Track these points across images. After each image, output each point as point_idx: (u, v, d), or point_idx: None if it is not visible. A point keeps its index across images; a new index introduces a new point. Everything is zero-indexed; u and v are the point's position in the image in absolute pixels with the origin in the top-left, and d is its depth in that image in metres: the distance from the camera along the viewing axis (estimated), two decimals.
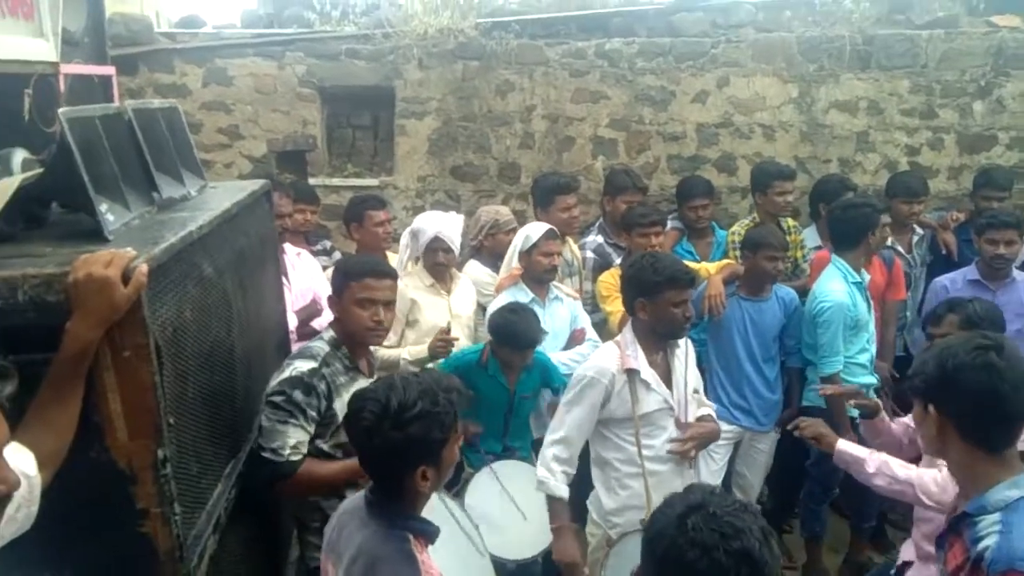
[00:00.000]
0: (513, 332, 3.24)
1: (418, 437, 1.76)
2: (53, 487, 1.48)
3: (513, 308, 3.35)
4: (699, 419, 2.95)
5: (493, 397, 3.40)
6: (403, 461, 1.79)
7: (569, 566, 2.76)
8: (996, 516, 1.67)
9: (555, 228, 3.73)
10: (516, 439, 3.51)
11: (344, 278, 2.56)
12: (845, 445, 2.59)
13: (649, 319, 2.74)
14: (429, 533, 1.90)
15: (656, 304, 2.71)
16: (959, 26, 5.00)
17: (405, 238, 3.81)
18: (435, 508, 2.70)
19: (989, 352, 1.71)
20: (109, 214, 1.80)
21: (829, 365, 3.66)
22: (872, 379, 3.84)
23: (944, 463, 2.18)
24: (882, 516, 4.42)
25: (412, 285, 3.66)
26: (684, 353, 2.95)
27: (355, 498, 1.98)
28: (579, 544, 2.85)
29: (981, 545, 1.65)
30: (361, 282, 2.53)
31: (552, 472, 2.76)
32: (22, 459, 1.40)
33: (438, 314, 3.67)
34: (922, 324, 3.34)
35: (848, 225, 3.74)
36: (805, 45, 4.95)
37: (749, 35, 5.08)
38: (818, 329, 3.66)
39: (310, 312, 3.64)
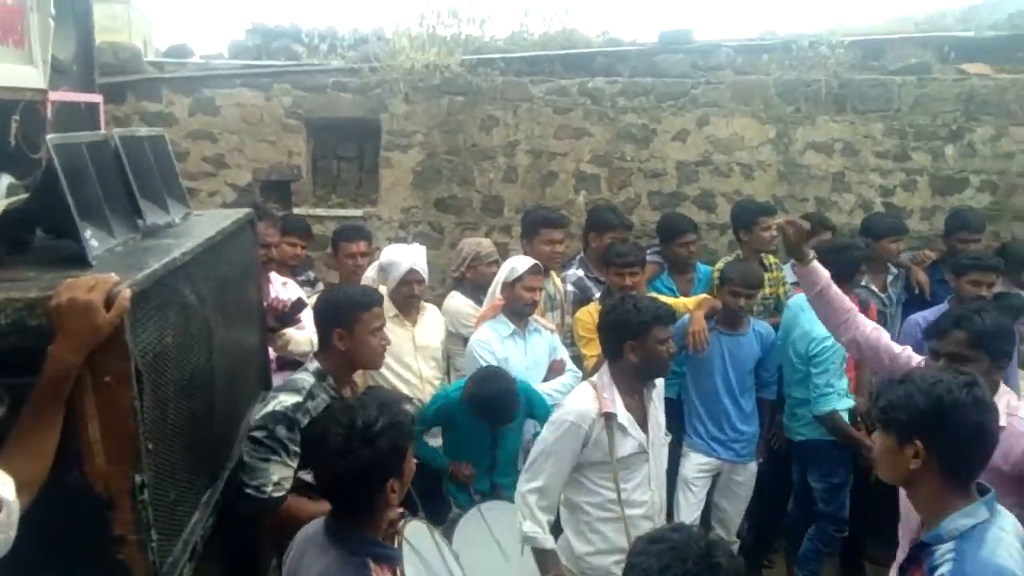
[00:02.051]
0: (491, 412, 3.26)
1: (386, 450, 1.83)
2: (30, 512, 1.47)
3: (493, 394, 3.23)
4: None
5: (477, 431, 3.39)
6: (374, 477, 1.84)
7: None
8: (951, 545, 1.72)
9: (539, 263, 3.77)
10: (503, 475, 3.47)
11: (355, 310, 2.57)
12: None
13: (638, 360, 2.73)
14: (390, 558, 1.91)
15: (644, 344, 2.71)
16: (931, 72, 5.16)
17: (371, 271, 3.81)
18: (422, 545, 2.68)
19: (975, 388, 1.76)
20: (93, 240, 1.81)
21: (826, 403, 3.74)
22: (850, 402, 3.91)
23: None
24: (861, 550, 4.44)
25: None
26: (659, 394, 2.94)
27: (314, 523, 1.99)
28: None
29: (937, 574, 1.69)
30: (371, 311, 2.60)
31: (539, 524, 2.70)
32: (1, 484, 1.40)
33: (402, 345, 3.68)
34: (924, 335, 3.39)
35: (839, 265, 3.73)
36: (782, 88, 5.09)
37: (728, 77, 5.21)
38: (815, 369, 3.73)
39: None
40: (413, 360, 3.72)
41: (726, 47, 5.34)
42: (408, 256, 3.70)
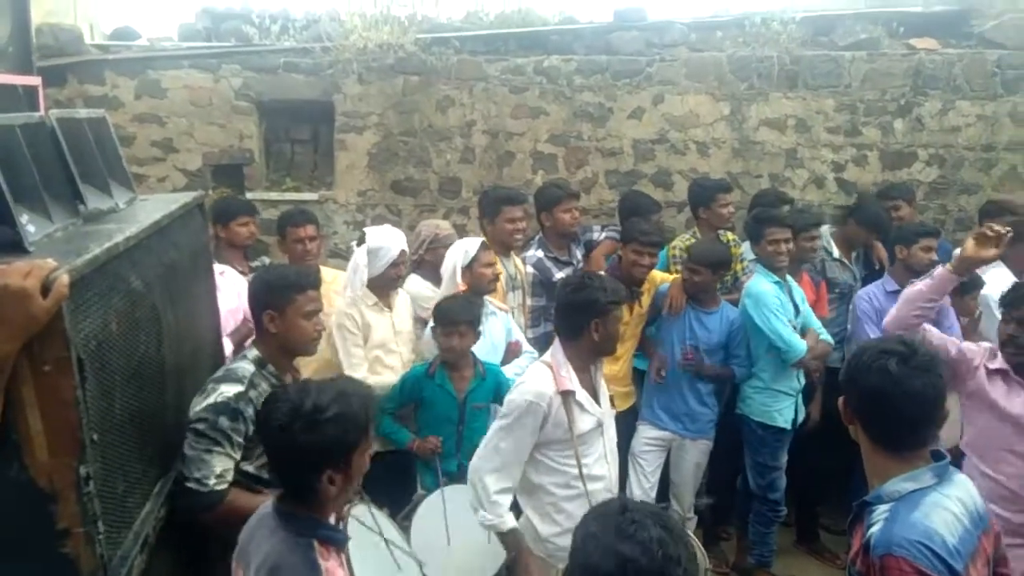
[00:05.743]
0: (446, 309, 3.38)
1: (328, 439, 1.80)
2: None
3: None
4: None
5: (442, 407, 3.41)
6: (309, 463, 1.82)
7: None
8: (888, 505, 1.77)
9: (486, 241, 3.79)
10: (470, 456, 3.46)
11: (288, 291, 2.51)
12: None
13: (599, 339, 2.75)
14: (337, 540, 1.90)
15: (607, 323, 2.74)
16: (880, 48, 5.23)
17: (361, 257, 3.67)
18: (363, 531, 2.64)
19: (890, 358, 1.80)
20: (30, 225, 1.74)
21: (793, 352, 3.80)
22: (796, 384, 3.99)
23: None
24: (815, 521, 4.54)
25: (361, 304, 3.64)
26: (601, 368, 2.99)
27: (267, 504, 1.97)
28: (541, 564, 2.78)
29: (870, 531, 1.75)
30: (306, 294, 2.54)
31: (497, 508, 2.68)
32: None
33: (384, 332, 3.67)
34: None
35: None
36: (736, 64, 5.12)
37: (682, 54, 5.22)
38: (759, 320, 3.81)
39: (243, 334, 3.50)
40: (395, 346, 3.71)
41: (680, 24, 5.34)
42: (396, 239, 3.70)
